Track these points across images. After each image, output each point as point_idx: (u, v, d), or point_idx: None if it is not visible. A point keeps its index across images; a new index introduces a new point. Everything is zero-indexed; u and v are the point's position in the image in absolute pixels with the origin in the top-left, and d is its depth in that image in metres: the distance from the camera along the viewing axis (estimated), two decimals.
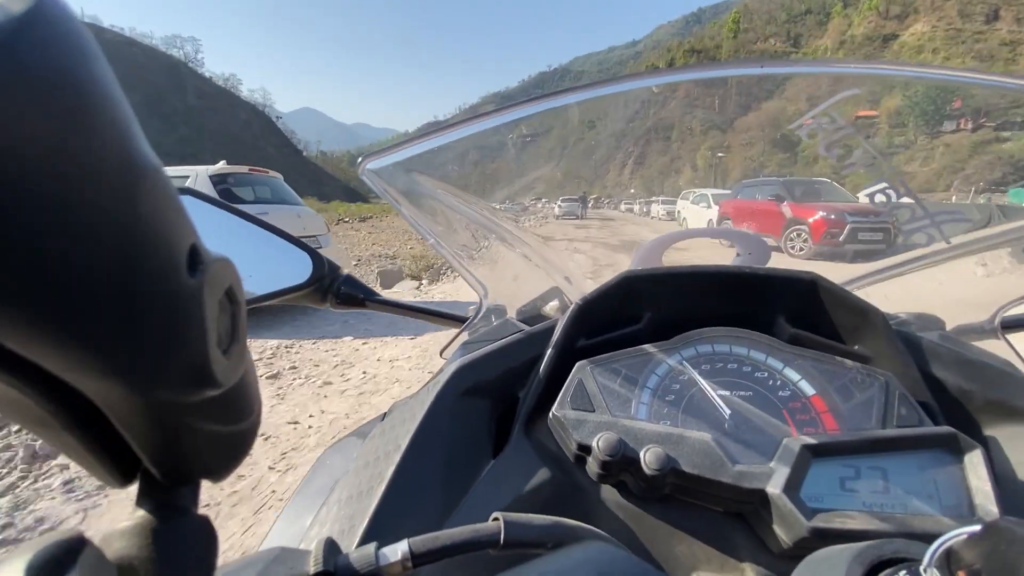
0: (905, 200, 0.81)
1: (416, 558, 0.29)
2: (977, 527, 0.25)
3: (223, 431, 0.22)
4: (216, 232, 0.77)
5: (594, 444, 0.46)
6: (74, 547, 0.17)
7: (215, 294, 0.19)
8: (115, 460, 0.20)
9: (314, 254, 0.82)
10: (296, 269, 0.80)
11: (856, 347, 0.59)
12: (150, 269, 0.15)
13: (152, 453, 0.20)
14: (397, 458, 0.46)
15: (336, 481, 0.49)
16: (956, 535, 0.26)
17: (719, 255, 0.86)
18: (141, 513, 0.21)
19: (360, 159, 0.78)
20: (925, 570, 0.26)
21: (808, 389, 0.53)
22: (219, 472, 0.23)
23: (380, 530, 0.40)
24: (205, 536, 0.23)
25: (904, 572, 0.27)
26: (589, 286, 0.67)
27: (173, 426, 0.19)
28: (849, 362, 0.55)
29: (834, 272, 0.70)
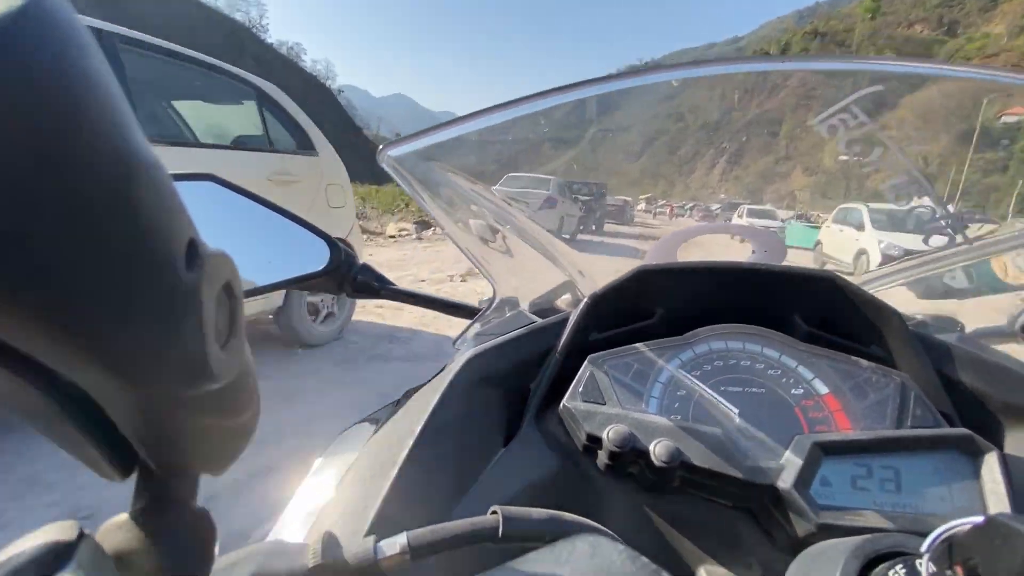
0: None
1: (415, 551, 0.29)
2: (978, 519, 0.25)
3: (221, 425, 0.22)
4: (236, 218, 0.79)
5: (604, 435, 0.46)
6: (71, 540, 0.16)
7: (213, 289, 0.18)
8: (113, 453, 0.19)
9: (331, 241, 0.82)
10: (313, 256, 0.80)
11: (872, 347, 0.58)
12: (147, 263, 0.15)
13: (150, 446, 0.20)
14: (409, 443, 0.46)
15: (348, 466, 0.49)
16: (955, 526, 0.25)
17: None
18: (140, 506, 0.21)
19: (380, 147, 0.76)
20: (921, 562, 0.26)
21: (821, 387, 0.52)
22: (217, 465, 0.23)
23: (391, 515, 0.40)
24: (204, 528, 0.23)
25: (900, 566, 0.27)
26: (602, 280, 0.66)
27: (171, 420, 0.19)
28: (864, 362, 0.54)
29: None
